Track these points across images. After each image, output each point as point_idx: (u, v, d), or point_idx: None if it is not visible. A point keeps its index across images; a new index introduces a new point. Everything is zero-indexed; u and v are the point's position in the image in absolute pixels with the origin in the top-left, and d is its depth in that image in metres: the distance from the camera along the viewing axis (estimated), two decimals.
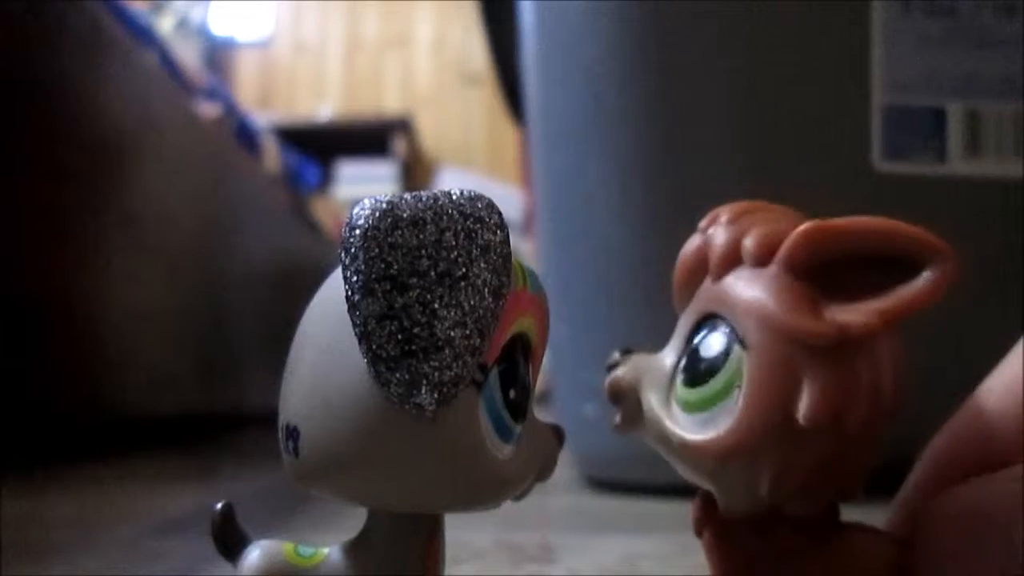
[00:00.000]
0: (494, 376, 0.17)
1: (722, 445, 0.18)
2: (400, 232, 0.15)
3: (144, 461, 0.79)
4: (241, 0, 2.72)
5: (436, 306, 0.15)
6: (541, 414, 0.19)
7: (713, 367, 0.18)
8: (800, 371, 0.17)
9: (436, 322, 0.15)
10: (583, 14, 0.57)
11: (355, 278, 0.15)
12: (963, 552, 0.18)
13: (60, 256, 0.74)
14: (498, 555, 0.36)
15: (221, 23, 2.68)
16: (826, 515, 0.19)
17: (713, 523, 0.20)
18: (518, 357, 0.17)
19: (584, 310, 0.59)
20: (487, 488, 0.17)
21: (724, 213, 0.20)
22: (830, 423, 0.17)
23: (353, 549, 0.18)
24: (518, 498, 0.18)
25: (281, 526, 0.43)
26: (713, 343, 0.19)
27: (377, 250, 0.15)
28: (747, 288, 0.18)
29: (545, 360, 0.19)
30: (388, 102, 2.70)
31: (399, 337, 0.15)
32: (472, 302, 0.15)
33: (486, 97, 2.49)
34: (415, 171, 2.59)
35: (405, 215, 0.15)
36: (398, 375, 0.15)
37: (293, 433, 0.17)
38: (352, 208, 0.16)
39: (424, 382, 0.15)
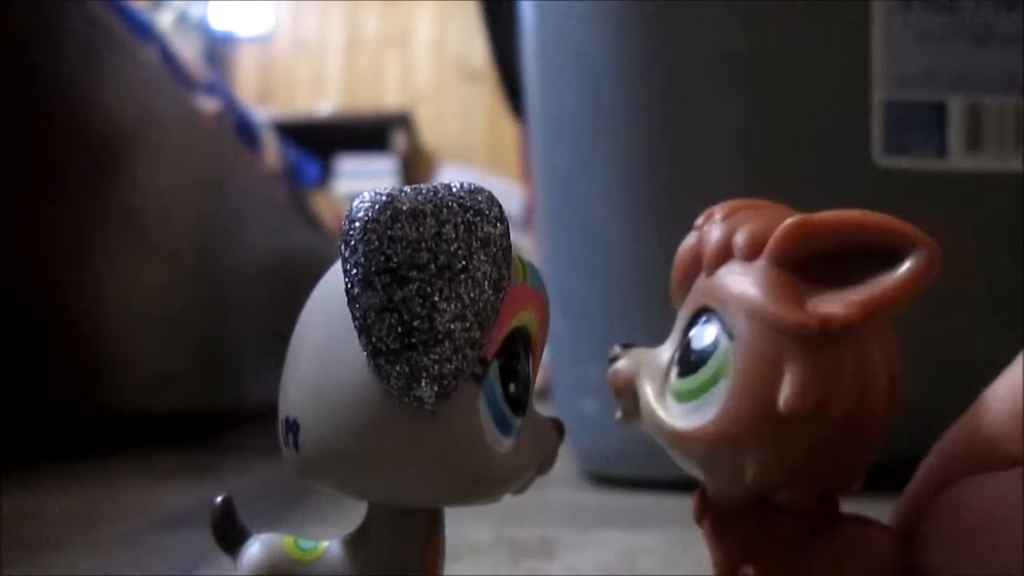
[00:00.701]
0: (494, 370, 0.17)
1: (708, 433, 0.18)
2: (400, 225, 0.15)
3: (144, 458, 0.79)
4: None
5: (436, 299, 0.15)
6: (541, 409, 0.19)
7: (702, 358, 0.19)
8: (783, 361, 0.17)
9: (436, 315, 0.15)
10: (583, 11, 0.57)
11: (355, 271, 0.15)
12: (967, 548, 0.18)
13: (59, 253, 0.74)
14: (497, 550, 0.36)
15: (221, 19, 2.68)
16: (825, 507, 0.19)
17: (712, 513, 0.20)
18: (518, 351, 0.17)
19: (583, 305, 0.59)
20: (487, 482, 0.17)
21: (718, 211, 0.20)
22: (812, 412, 0.17)
23: (353, 543, 0.18)
24: (518, 492, 0.18)
25: (281, 520, 0.43)
26: (705, 335, 0.19)
27: (377, 243, 0.15)
28: (736, 281, 0.19)
29: (545, 355, 0.19)
30: (388, 98, 2.70)
31: (399, 330, 0.15)
32: (472, 295, 0.15)
33: (486, 93, 2.48)
34: (415, 167, 2.59)
35: (405, 208, 0.15)
36: (398, 368, 0.15)
37: (293, 427, 0.17)
38: (352, 201, 0.16)
39: (424, 375, 0.15)
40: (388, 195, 0.15)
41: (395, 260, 0.15)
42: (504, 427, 0.17)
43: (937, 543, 0.19)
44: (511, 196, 2.04)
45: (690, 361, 0.19)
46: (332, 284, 0.17)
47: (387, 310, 0.15)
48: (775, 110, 0.55)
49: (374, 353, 0.15)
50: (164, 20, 2.25)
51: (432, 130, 2.68)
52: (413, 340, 0.15)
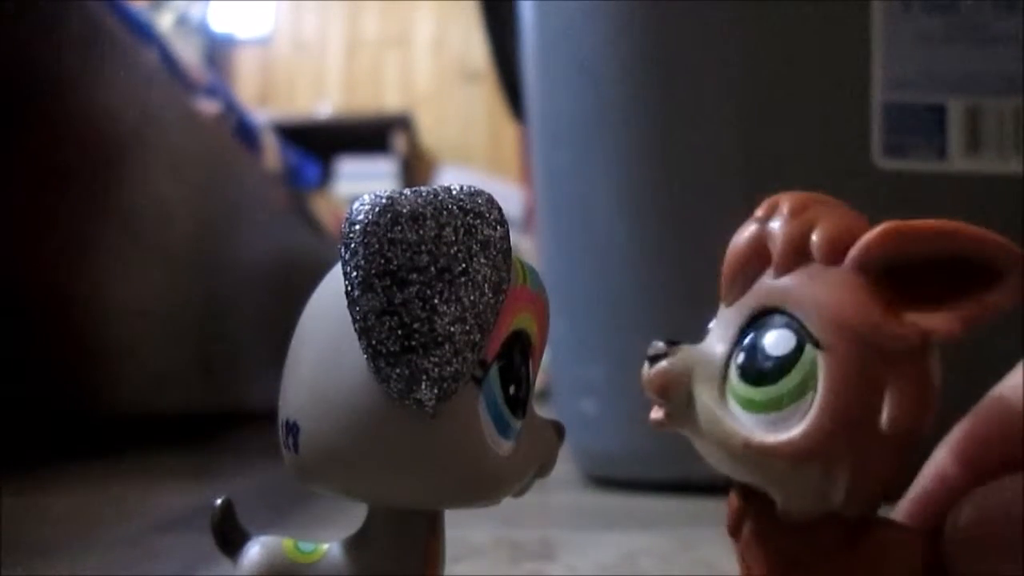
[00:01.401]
0: (494, 372, 0.16)
1: (797, 447, 0.17)
2: (400, 228, 0.15)
3: (143, 459, 0.79)
4: None
5: (436, 302, 0.15)
6: (540, 410, 0.19)
7: (783, 366, 0.18)
8: (881, 376, 0.17)
9: (436, 318, 0.15)
10: (583, 11, 0.57)
11: (355, 273, 0.15)
12: (1000, 548, 0.18)
13: (59, 254, 0.74)
14: (498, 552, 0.36)
15: (221, 20, 2.68)
16: (863, 513, 0.19)
17: (752, 524, 0.20)
18: (518, 354, 0.17)
19: (583, 306, 0.59)
20: (487, 484, 0.17)
21: (785, 204, 0.19)
22: (912, 429, 0.17)
23: (353, 545, 0.18)
24: (518, 494, 0.18)
25: (281, 522, 0.43)
26: (780, 341, 0.18)
27: (377, 245, 0.15)
28: (821, 287, 0.18)
29: (544, 356, 0.19)
30: (388, 99, 2.70)
31: (399, 332, 0.15)
32: (472, 298, 0.15)
33: (486, 94, 2.48)
34: (415, 168, 2.59)
35: (405, 211, 0.15)
36: (398, 371, 0.15)
37: (293, 429, 0.17)
38: (352, 204, 0.16)
39: (424, 378, 0.15)
40: (388, 198, 0.15)
41: (395, 263, 0.15)
42: (504, 429, 0.17)
43: (968, 543, 0.19)
44: (511, 198, 2.04)
45: (766, 368, 0.18)
46: (332, 286, 0.16)
47: (387, 313, 0.15)
48: (775, 112, 0.55)
49: (374, 355, 0.15)
50: (164, 21, 2.25)
51: (432, 132, 2.68)
52: (413, 343, 0.15)
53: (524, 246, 1.57)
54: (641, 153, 0.56)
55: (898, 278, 0.17)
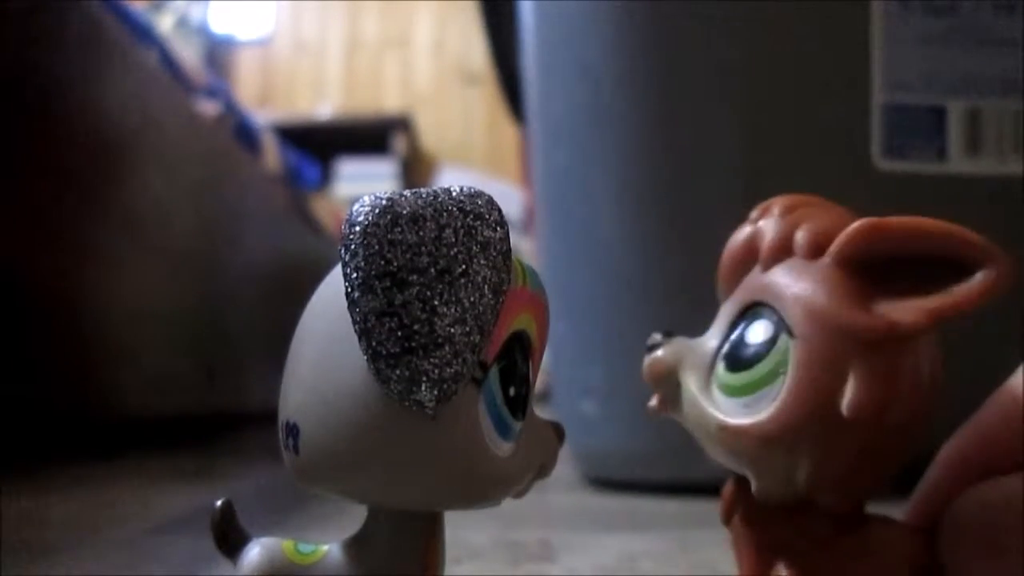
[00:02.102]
0: (494, 374, 0.16)
1: (763, 430, 0.18)
2: (400, 229, 0.15)
3: (143, 461, 0.79)
4: None
5: (436, 303, 0.15)
6: (540, 411, 0.19)
7: (758, 354, 0.19)
8: (847, 364, 0.17)
9: (436, 319, 0.15)
10: (583, 13, 0.57)
11: (355, 275, 0.15)
12: (992, 545, 0.18)
13: (59, 255, 0.74)
14: (497, 554, 0.36)
15: (221, 21, 2.68)
16: (853, 506, 0.20)
17: (743, 512, 0.20)
18: (518, 355, 0.17)
19: (582, 307, 0.59)
20: (487, 486, 0.17)
21: (776, 205, 0.20)
22: (873, 417, 0.17)
23: (353, 547, 0.18)
24: (518, 495, 0.18)
25: (281, 524, 0.43)
26: (759, 330, 0.19)
27: (377, 247, 0.15)
28: (798, 279, 0.19)
29: (545, 357, 0.19)
30: (388, 100, 2.70)
31: (399, 334, 0.15)
32: (472, 299, 0.15)
33: (486, 96, 2.48)
34: (415, 169, 2.59)
35: (405, 212, 0.15)
36: (398, 372, 0.15)
37: (293, 430, 0.17)
38: (352, 205, 0.16)
39: (424, 379, 0.15)
40: (388, 199, 0.15)
41: (395, 264, 0.15)
42: (504, 431, 0.17)
43: (960, 541, 0.19)
44: (511, 199, 2.04)
45: (744, 356, 0.19)
46: (332, 288, 0.16)
47: (387, 314, 0.15)
48: (775, 113, 0.55)
49: (374, 357, 0.15)
50: (164, 23, 2.25)
51: (432, 133, 2.69)
52: (413, 344, 0.15)
53: (524, 247, 1.57)
54: (641, 154, 0.56)
55: (879, 273, 0.18)
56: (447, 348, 0.15)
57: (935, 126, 0.53)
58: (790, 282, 0.19)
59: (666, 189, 0.55)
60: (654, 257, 0.55)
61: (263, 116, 1.91)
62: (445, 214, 0.15)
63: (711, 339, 0.20)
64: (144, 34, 0.97)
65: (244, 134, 1.30)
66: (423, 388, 0.15)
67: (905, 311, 0.17)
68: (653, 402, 0.21)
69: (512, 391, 0.17)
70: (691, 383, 0.20)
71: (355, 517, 0.18)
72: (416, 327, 0.15)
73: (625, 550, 0.37)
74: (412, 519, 0.18)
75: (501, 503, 0.18)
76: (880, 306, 0.18)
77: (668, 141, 0.55)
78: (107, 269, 0.81)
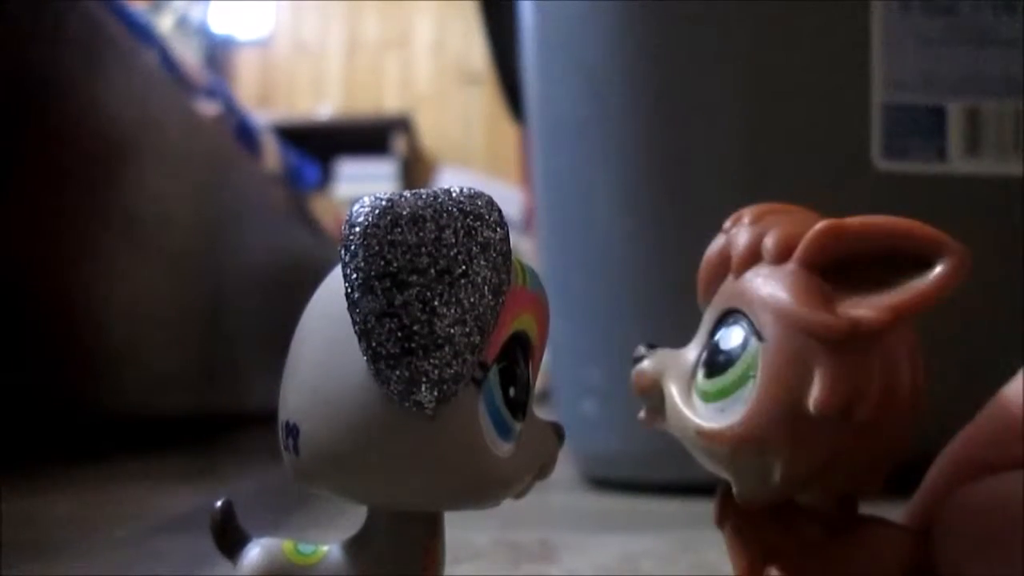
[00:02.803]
0: (494, 374, 0.17)
1: (735, 433, 0.18)
2: (400, 230, 0.15)
3: (144, 461, 0.79)
4: None
5: (436, 303, 0.15)
6: (541, 412, 0.19)
7: (730, 358, 0.19)
8: (812, 363, 0.18)
9: (436, 320, 0.15)
10: (583, 13, 0.57)
11: (355, 275, 0.15)
12: (983, 545, 0.18)
13: (59, 256, 0.74)
14: (497, 554, 0.36)
15: (221, 22, 2.68)
16: (844, 508, 0.20)
17: (734, 514, 0.21)
18: (518, 355, 0.17)
19: (583, 308, 0.59)
20: (487, 486, 0.17)
21: (747, 214, 0.21)
22: (840, 414, 0.18)
23: (353, 547, 0.18)
24: (518, 496, 0.18)
25: (281, 524, 0.43)
26: (733, 336, 0.19)
27: (377, 247, 0.15)
28: (765, 284, 0.19)
29: (545, 358, 0.19)
30: (388, 101, 2.70)
31: (399, 335, 0.15)
32: (472, 299, 0.15)
33: (486, 96, 2.48)
34: (415, 170, 2.59)
35: (405, 212, 0.15)
36: (398, 373, 0.15)
37: (293, 431, 0.17)
38: (352, 206, 0.16)
39: (424, 380, 0.15)
40: (388, 200, 0.15)
41: (395, 265, 0.15)
42: (504, 431, 0.17)
43: (952, 541, 0.19)
44: (511, 200, 2.04)
45: (718, 362, 0.19)
46: (332, 288, 0.17)
47: (387, 315, 0.15)
48: (774, 113, 0.55)
49: (374, 358, 0.15)
50: (164, 23, 2.25)
51: (432, 133, 2.69)
52: (413, 345, 0.15)
53: (524, 248, 1.57)
54: (640, 155, 0.56)
55: (845, 273, 0.18)
56: (447, 349, 0.15)
57: (935, 126, 0.53)
58: (758, 287, 0.19)
59: (665, 190, 0.55)
60: (654, 258, 0.55)
61: (263, 116, 1.91)
62: (445, 215, 0.16)
63: (693, 348, 0.21)
64: (144, 34, 0.97)
65: (244, 134, 1.30)
66: (423, 389, 0.15)
67: (867, 309, 0.18)
68: (642, 414, 0.21)
69: (512, 392, 0.17)
70: (674, 392, 0.20)
71: (356, 518, 0.18)
72: (416, 328, 0.15)
73: (625, 550, 0.37)
74: (412, 520, 0.18)
75: (501, 503, 0.18)
76: (844, 305, 0.18)
77: (668, 142, 0.55)
78: (106, 269, 0.81)
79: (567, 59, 0.59)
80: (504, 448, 0.17)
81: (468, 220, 0.16)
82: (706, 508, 0.21)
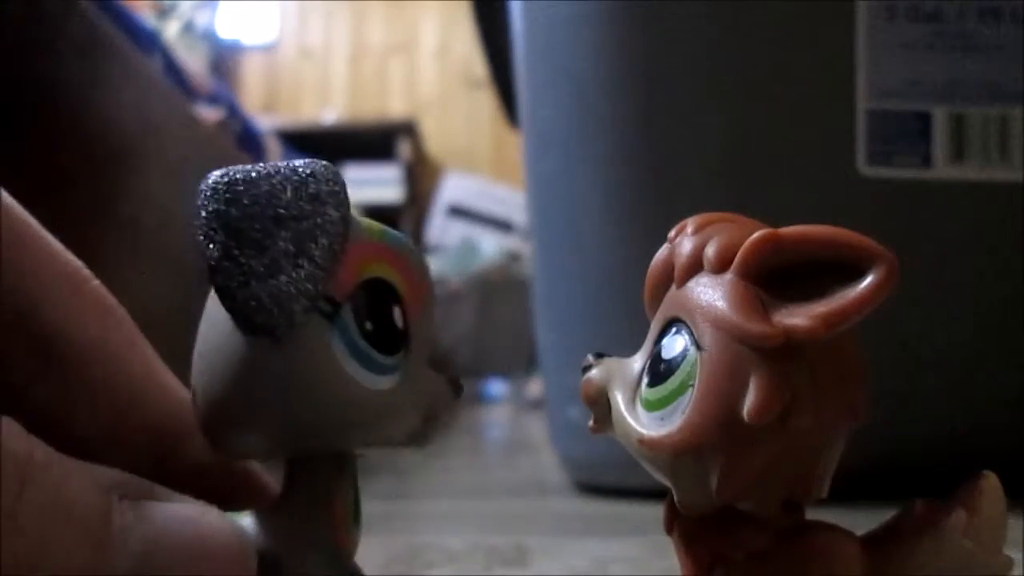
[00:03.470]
0: (347, 310, 0.18)
1: (672, 441, 0.19)
2: (237, 187, 0.17)
3: None
4: (247, 4, 2.74)
5: (269, 243, 0.17)
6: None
7: (671, 367, 0.19)
8: (748, 371, 0.18)
9: (271, 255, 0.17)
10: (568, 19, 0.57)
11: (201, 232, 0.17)
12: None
13: None
14: (472, 557, 0.36)
15: (227, 27, 2.70)
16: (790, 516, 0.20)
17: (682, 522, 0.21)
18: (377, 298, 0.19)
19: (569, 314, 0.59)
20: (356, 414, 0.18)
21: (690, 224, 0.21)
22: (775, 422, 0.18)
23: (265, 513, 0.19)
24: (416, 443, 0.19)
25: None
26: (674, 345, 0.20)
27: (215, 204, 0.17)
28: (704, 292, 0.19)
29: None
30: (393, 106, 2.71)
31: (238, 270, 0.17)
32: (305, 242, 0.17)
33: (490, 100, 2.49)
34: (420, 174, 2.60)
35: (240, 176, 0.18)
36: (240, 301, 0.17)
37: (193, 395, 0.18)
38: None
39: (264, 303, 0.17)
40: (230, 167, 0.18)
41: (232, 214, 0.17)
42: (370, 364, 0.18)
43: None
44: (516, 203, 2.04)
45: (659, 371, 0.20)
46: None
47: (228, 257, 0.17)
48: (760, 119, 0.55)
49: (221, 295, 0.17)
50: (170, 28, 2.27)
51: (437, 138, 2.69)
52: (250, 276, 0.17)
53: (527, 253, 1.58)
54: (626, 161, 0.56)
55: (785, 282, 0.19)
56: (282, 278, 0.17)
57: (920, 132, 0.54)
58: (697, 296, 0.19)
59: (651, 196, 0.55)
60: (640, 264, 0.55)
61: (268, 121, 1.92)
62: (278, 175, 0.18)
63: (639, 357, 0.21)
64: (147, 41, 0.97)
65: (248, 140, 1.30)
66: (263, 312, 0.17)
67: (801, 317, 0.18)
68: (590, 422, 0.21)
69: (369, 325, 0.18)
70: (619, 401, 0.20)
71: None
72: (253, 263, 0.17)
73: (599, 554, 0.37)
74: (317, 476, 0.19)
75: (395, 441, 0.19)
76: (780, 314, 0.18)
77: (653, 148, 0.56)
78: (108, 276, 0.81)
79: (553, 66, 0.59)
80: (377, 382, 0.18)
81: (299, 177, 0.18)
82: None
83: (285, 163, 0.18)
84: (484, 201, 2.47)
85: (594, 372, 0.21)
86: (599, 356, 0.22)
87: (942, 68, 0.53)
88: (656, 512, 0.21)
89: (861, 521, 0.20)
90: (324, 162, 0.18)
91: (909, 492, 0.21)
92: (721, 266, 0.19)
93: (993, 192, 0.53)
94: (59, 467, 0.15)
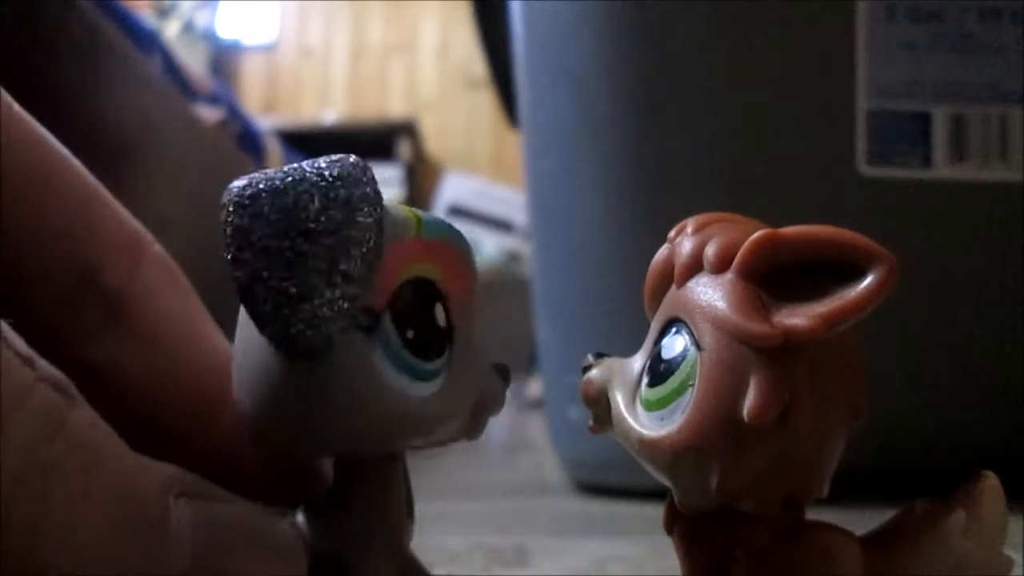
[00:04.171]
0: (387, 320, 0.17)
1: (672, 441, 0.19)
2: (261, 202, 0.16)
3: None
4: (247, 3, 2.74)
5: (300, 261, 0.16)
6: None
7: (671, 367, 0.19)
8: (748, 371, 0.18)
9: (301, 276, 0.16)
10: (567, 18, 0.58)
11: (227, 251, 0.16)
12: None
13: None
14: (472, 557, 0.36)
15: (227, 27, 2.70)
16: (791, 515, 0.20)
17: (681, 522, 0.21)
18: (418, 300, 0.18)
19: (569, 314, 0.59)
20: (402, 424, 0.18)
21: (690, 224, 0.21)
22: (775, 422, 0.18)
23: (319, 510, 0.19)
24: (471, 436, 0.19)
25: None
26: (674, 345, 0.20)
27: (239, 221, 0.16)
28: (704, 292, 0.19)
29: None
30: (393, 106, 2.71)
31: (268, 296, 0.16)
32: (339, 254, 0.16)
33: (491, 101, 2.49)
34: (420, 174, 2.60)
35: (263, 186, 0.16)
36: (275, 330, 0.16)
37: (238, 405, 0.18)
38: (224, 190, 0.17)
39: (298, 330, 0.16)
40: (250, 178, 0.17)
41: (257, 234, 0.16)
42: (415, 373, 0.17)
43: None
44: (516, 203, 2.04)
45: (659, 371, 0.20)
46: None
47: (257, 279, 0.16)
48: (759, 120, 0.55)
49: (255, 320, 0.16)
50: (170, 28, 2.27)
51: (437, 138, 2.69)
52: (282, 302, 0.16)
53: (527, 253, 1.58)
54: (626, 161, 0.56)
55: (785, 282, 0.19)
56: (316, 301, 0.16)
57: (920, 132, 0.53)
58: (697, 296, 0.19)
59: (650, 196, 0.55)
60: (640, 264, 0.55)
61: (268, 121, 1.92)
62: (304, 183, 0.16)
63: (639, 358, 0.21)
64: (147, 40, 0.97)
65: (247, 140, 1.30)
66: (299, 340, 0.16)
67: (801, 318, 0.18)
68: (590, 422, 0.21)
69: (411, 334, 0.17)
70: (619, 401, 0.21)
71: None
72: (284, 285, 0.16)
73: (598, 555, 0.37)
74: (366, 469, 0.18)
75: (447, 441, 0.19)
76: (779, 314, 0.18)
77: (652, 148, 0.56)
78: None
79: (553, 65, 0.59)
80: (422, 388, 0.17)
81: (327, 182, 0.17)
82: None
83: (310, 165, 0.17)
84: (484, 201, 2.47)
85: (594, 372, 0.21)
86: (599, 356, 0.22)
87: (942, 68, 0.53)
88: (656, 512, 0.21)
89: (861, 521, 0.20)
90: (352, 158, 0.17)
91: (909, 492, 0.21)
92: (721, 266, 0.19)
93: (993, 192, 0.53)
94: (125, 461, 0.15)
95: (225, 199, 0.17)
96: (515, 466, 0.72)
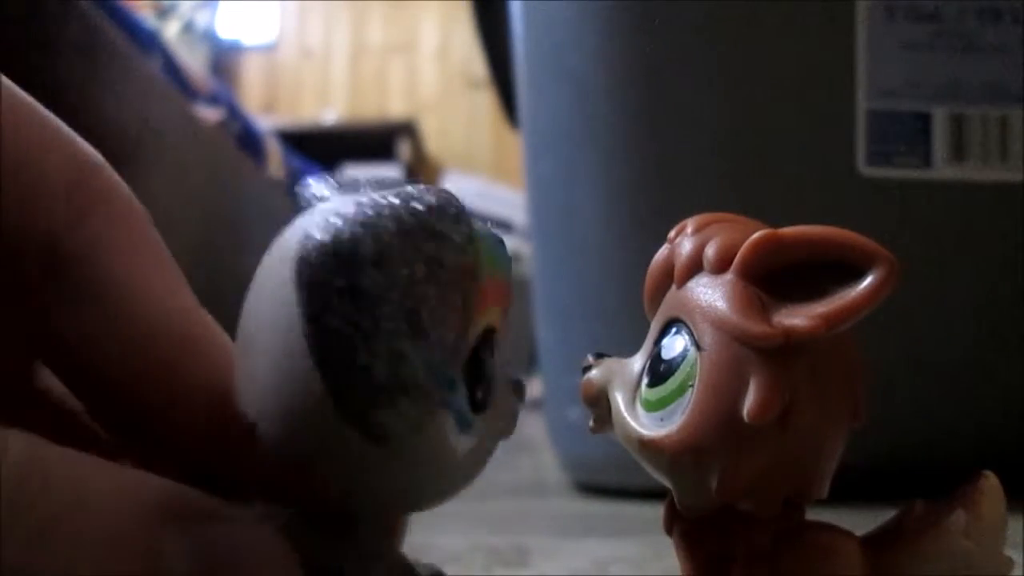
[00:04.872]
0: (461, 385, 0.15)
1: (673, 441, 0.19)
2: (363, 274, 0.14)
3: None
4: (247, 4, 2.74)
5: (401, 347, 0.14)
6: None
7: (671, 368, 0.19)
8: (748, 371, 0.18)
9: (402, 365, 0.14)
10: (568, 21, 0.58)
11: (312, 324, 0.14)
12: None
13: None
14: (472, 558, 0.36)
15: (227, 27, 2.70)
16: (790, 515, 0.20)
17: (681, 522, 0.21)
18: (484, 354, 0.16)
19: (569, 315, 0.59)
20: (452, 486, 0.17)
21: (690, 224, 0.21)
22: (775, 423, 0.18)
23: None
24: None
25: None
26: (674, 346, 0.20)
27: (331, 296, 0.14)
28: (704, 293, 0.19)
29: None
30: (393, 106, 2.71)
31: (365, 386, 0.14)
32: (440, 332, 0.14)
33: (491, 101, 2.49)
34: (420, 175, 2.60)
35: (367, 253, 0.14)
36: (367, 419, 0.14)
37: (253, 431, 0.15)
38: (303, 233, 0.14)
39: (395, 421, 0.14)
40: (326, 215, 0.14)
41: (356, 316, 0.14)
42: (466, 427, 0.16)
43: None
44: (516, 204, 2.04)
45: (659, 371, 0.20)
46: (285, 277, 0.15)
47: (351, 367, 0.14)
48: (760, 120, 0.55)
49: (342, 405, 0.14)
50: (171, 28, 2.27)
51: (437, 138, 2.69)
52: (381, 395, 0.14)
53: (526, 254, 1.57)
54: (626, 162, 0.56)
55: (784, 282, 0.19)
56: (415, 392, 0.14)
57: (920, 132, 0.53)
58: (697, 296, 0.19)
59: (651, 196, 0.55)
60: (640, 264, 0.55)
61: (268, 122, 1.92)
62: (412, 248, 0.14)
63: (639, 358, 0.21)
64: (148, 42, 0.97)
65: (247, 140, 1.30)
66: (390, 433, 0.14)
67: (801, 318, 0.18)
68: (591, 422, 0.21)
69: (480, 394, 0.16)
70: (619, 401, 0.20)
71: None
72: (384, 373, 0.14)
73: (598, 555, 0.37)
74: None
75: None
76: (779, 314, 0.18)
77: (652, 149, 0.56)
78: None
79: (553, 66, 0.59)
80: (465, 442, 0.16)
81: (416, 218, 0.14)
82: None
83: (398, 197, 0.14)
84: (484, 201, 2.47)
85: (594, 372, 0.21)
86: (599, 356, 0.22)
87: (942, 68, 0.53)
88: (656, 512, 0.21)
89: (861, 521, 0.20)
90: (444, 191, 0.15)
91: (909, 492, 0.21)
92: (721, 266, 0.19)
93: (993, 192, 0.53)
94: (107, 488, 0.14)
95: (300, 249, 0.14)
96: (515, 466, 0.72)
